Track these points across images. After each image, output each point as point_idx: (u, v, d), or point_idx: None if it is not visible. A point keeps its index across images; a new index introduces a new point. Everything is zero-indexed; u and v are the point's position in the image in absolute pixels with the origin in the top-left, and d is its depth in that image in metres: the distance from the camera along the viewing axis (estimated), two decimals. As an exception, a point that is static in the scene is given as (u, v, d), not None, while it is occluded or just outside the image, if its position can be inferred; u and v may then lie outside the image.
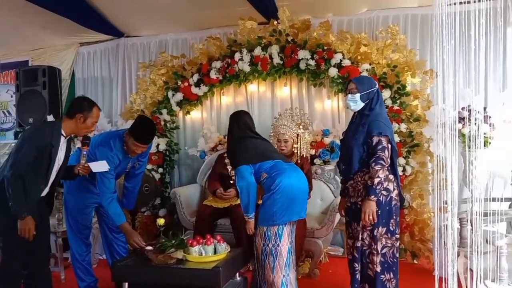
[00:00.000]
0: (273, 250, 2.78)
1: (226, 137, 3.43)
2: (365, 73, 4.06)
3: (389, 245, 2.64)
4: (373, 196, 2.50)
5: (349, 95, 2.72)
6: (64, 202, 3.28)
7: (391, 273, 2.67)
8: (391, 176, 2.59)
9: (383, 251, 2.63)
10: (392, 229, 2.63)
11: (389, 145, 2.53)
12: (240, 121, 3.07)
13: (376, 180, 2.48)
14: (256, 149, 2.93)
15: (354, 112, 2.80)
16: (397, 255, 2.72)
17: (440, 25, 1.51)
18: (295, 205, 2.77)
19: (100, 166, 2.92)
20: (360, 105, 2.70)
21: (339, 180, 3.50)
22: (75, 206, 3.21)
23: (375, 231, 2.60)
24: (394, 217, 2.63)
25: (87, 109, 2.73)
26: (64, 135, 2.71)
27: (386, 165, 2.51)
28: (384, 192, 2.56)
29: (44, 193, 2.73)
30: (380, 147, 2.51)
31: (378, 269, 2.60)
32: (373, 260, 2.62)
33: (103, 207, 3.21)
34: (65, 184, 3.24)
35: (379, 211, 2.56)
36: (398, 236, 2.69)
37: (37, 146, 2.57)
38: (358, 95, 2.69)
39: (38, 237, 2.65)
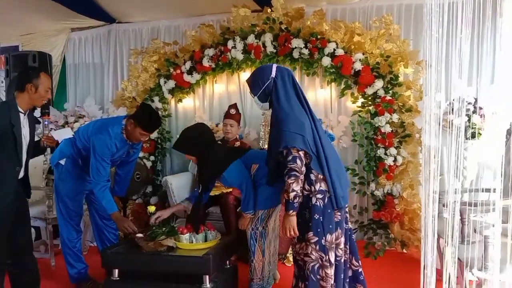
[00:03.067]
0: (264, 232, 2.84)
1: (196, 156, 2.95)
2: (358, 63, 4.06)
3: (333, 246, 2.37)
4: (291, 211, 2.28)
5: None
6: (55, 188, 3.26)
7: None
8: (321, 176, 2.32)
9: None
10: (330, 226, 2.34)
11: (301, 153, 2.25)
12: (202, 136, 2.91)
13: (292, 194, 2.23)
14: (227, 149, 3.08)
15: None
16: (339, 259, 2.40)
17: (430, 14, 1.50)
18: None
19: (63, 134, 2.86)
20: (266, 105, 2.48)
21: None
22: (66, 192, 3.19)
23: (323, 241, 2.33)
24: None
25: (35, 77, 2.63)
26: (22, 111, 2.62)
27: (301, 175, 2.25)
28: (319, 196, 2.31)
29: (20, 176, 2.67)
30: (290, 158, 2.24)
31: (332, 281, 2.35)
32: (327, 273, 2.34)
33: (94, 194, 3.21)
34: (56, 170, 3.22)
35: (321, 218, 2.32)
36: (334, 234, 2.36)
37: None
38: (256, 98, 2.48)
39: (18, 225, 2.62)
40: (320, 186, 2.32)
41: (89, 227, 4.08)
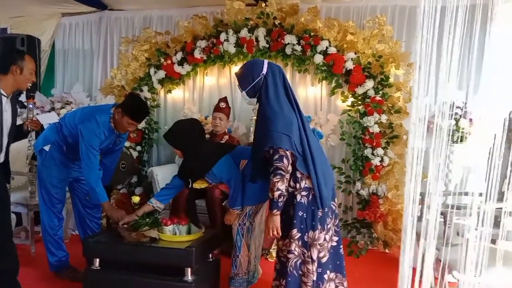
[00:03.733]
0: (250, 227, 2.83)
1: (182, 152, 2.91)
2: (350, 62, 4.06)
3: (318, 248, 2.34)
4: (275, 210, 2.26)
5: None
6: (38, 174, 3.21)
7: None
8: (306, 174, 2.30)
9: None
10: (314, 223, 2.32)
11: (287, 152, 2.22)
12: (194, 131, 2.89)
13: (277, 193, 2.22)
14: (217, 145, 3.04)
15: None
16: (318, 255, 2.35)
17: (423, 15, 1.50)
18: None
19: (49, 118, 2.85)
20: (253, 100, 2.44)
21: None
22: (49, 179, 3.14)
23: (305, 237, 2.32)
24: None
25: (20, 59, 2.60)
26: (5, 94, 2.57)
27: (287, 174, 2.23)
28: (304, 193, 2.30)
29: (0, 160, 2.62)
30: (276, 157, 2.22)
31: (314, 277, 2.32)
32: (309, 269, 2.32)
33: (78, 182, 3.18)
34: (39, 156, 3.17)
35: (305, 215, 2.31)
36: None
37: None
38: (244, 93, 2.43)
39: None
40: (305, 184, 2.31)
41: (71, 214, 4.03)
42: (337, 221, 2.50)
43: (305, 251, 2.33)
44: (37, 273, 3.29)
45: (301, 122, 2.34)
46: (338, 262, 2.45)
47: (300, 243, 2.34)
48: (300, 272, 2.35)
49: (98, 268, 2.77)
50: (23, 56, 2.62)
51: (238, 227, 2.82)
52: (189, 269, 2.62)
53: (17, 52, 2.70)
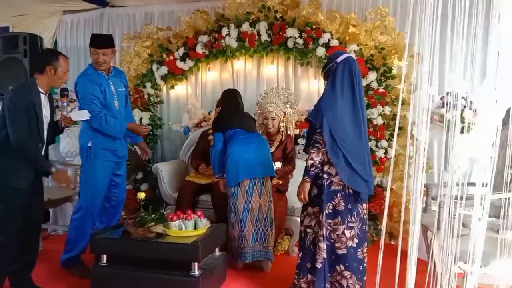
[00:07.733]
0: (233, 208, 3.26)
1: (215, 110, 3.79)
2: (352, 55, 4.04)
3: (330, 228, 2.54)
4: (306, 177, 2.54)
5: None
6: (87, 175, 3.22)
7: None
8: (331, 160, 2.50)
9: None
10: (328, 212, 2.52)
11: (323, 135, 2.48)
12: (227, 97, 3.65)
13: (310, 163, 2.50)
14: (228, 119, 3.43)
15: None
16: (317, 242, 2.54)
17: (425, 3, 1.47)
18: (241, 169, 3.22)
19: (80, 115, 3.02)
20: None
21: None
22: (100, 171, 3.20)
23: (320, 217, 2.53)
24: (333, 201, 2.53)
25: (54, 59, 2.75)
26: (43, 92, 2.73)
27: (323, 149, 2.47)
28: (325, 176, 2.52)
29: (42, 153, 2.77)
30: (318, 131, 2.50)
31: (325, 255, 2.51)
32: (320, 247, 2.51)
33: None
34: (86, 154, 3.19)
35: (322, 196, 2.52)
36: (334, 220, 2.53)
37: (23, 109, 2.61)
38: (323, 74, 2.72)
39: (34, 201, 2.73)
40: (328, 168, 2.51)
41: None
42: (361, 226, 2.58)
43: (318, 229, 2.53)
44: (47, 270, 3.31)
45: (352, 116, 2.50)
46: (355, 264, 2.54)
47: (314, 222, 2.59)
48: (313, 250, 2.55)
49: (106, 264, 2.79)
50: (57, 57, 2.77)
51: (244, 204, 3.23)
52: (196, 264, 2.64)
53: (53, 52, 2.95)
